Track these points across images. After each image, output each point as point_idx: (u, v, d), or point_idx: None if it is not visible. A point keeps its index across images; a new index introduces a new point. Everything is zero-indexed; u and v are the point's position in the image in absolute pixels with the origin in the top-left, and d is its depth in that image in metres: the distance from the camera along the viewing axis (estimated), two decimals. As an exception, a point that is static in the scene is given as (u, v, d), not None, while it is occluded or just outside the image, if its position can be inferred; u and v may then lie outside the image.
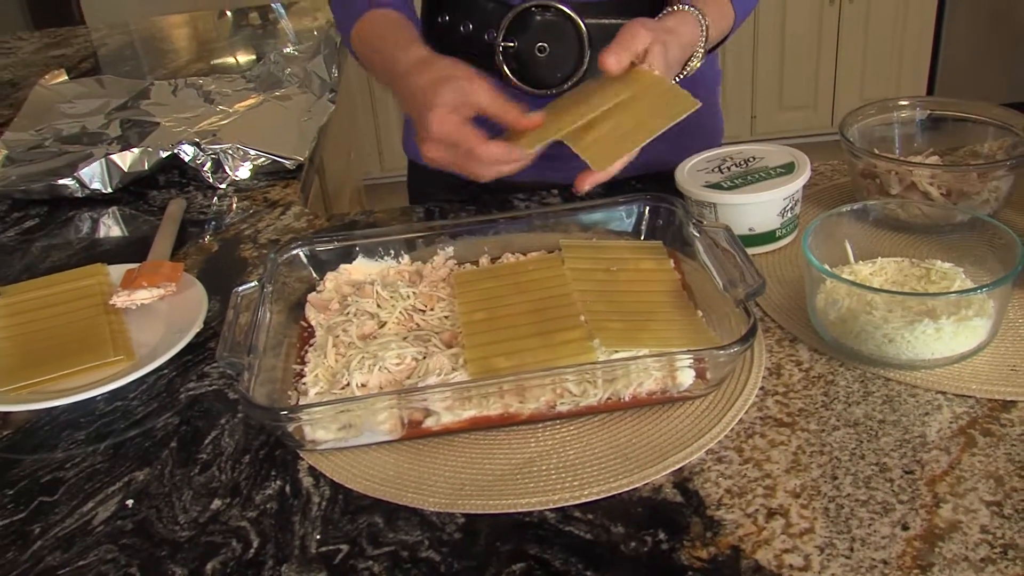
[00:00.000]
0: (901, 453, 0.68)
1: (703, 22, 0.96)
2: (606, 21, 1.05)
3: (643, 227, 0.93)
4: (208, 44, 1.96)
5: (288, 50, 1.60)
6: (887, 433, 0.70)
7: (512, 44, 1.06)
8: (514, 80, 1.08)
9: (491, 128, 0.87)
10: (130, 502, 0.71)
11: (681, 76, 0.98)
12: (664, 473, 0.68)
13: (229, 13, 2.18)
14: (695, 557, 0.61)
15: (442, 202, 1.13)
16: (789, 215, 0.92)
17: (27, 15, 3.83)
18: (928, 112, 1.03)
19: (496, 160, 0.85)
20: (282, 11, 2.09)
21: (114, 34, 2.06)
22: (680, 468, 0.68)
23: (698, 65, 0.98)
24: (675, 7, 0.97)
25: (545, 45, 1.06)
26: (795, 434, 0.71)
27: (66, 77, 1.62)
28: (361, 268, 0.91)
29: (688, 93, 0.87)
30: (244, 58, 1.85)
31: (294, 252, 0.90)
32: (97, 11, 3.19)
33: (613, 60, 0.86)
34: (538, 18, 1.05)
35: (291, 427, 0.71)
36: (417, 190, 1.30)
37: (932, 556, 0.60)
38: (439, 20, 1.11)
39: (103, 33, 2.07)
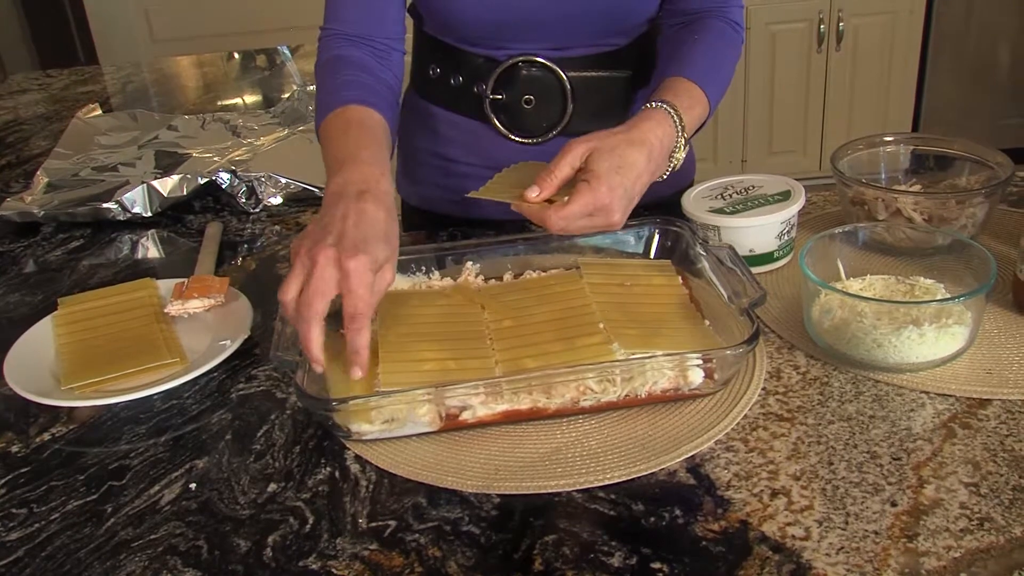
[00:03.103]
0: (889, 443, 0.76)
1: (675, 116, 0.96)
2: (588, 74, 1.13)
3: (653, 248, 1.02)
4: (216, 85, 2.04)
5: (311, 88, 1.69)
6: (877, 426, 0.78)
7: (500, 96, 1.14)
8: (503, 129, 1.15)
9: None
10: (193, 485, 0.78)
11: (668, 170, 0.98)
12: (678, 460, 0.76)
13: (237, 55, 2.26)
14: (708, 529, 0.69)
15: (462, 227, 1.21)
16: (786, 238, 1.01)
17: (35, 57, 3.98)
18: (912, 148, 1.13)
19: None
20: (288, 54, 2.16)
21: (140, 72, 2.15)
22: (692, 456, 0.77)
23: (683, 154, 0.98)
24: (647, 105, 0.97)
25: (531, 97, 1.13)
26: (794, 427, 0.79)
27: (100, 111, 1.70)
28: (395, 282, 0.98)
29: None
30: (251, 99, 1.91)
31: (334, 267, 0.98)
32: (110, 53, 3.32)
33: (533, 193, 0.90)
34: (524, 72, 1.12)
35: (340, 418, 0.79)
36: (408, 229, 1.36)
37: (917, 527, 0.67)
38: (430, 72, 1.18)
39: (128, 72, 2.16)
